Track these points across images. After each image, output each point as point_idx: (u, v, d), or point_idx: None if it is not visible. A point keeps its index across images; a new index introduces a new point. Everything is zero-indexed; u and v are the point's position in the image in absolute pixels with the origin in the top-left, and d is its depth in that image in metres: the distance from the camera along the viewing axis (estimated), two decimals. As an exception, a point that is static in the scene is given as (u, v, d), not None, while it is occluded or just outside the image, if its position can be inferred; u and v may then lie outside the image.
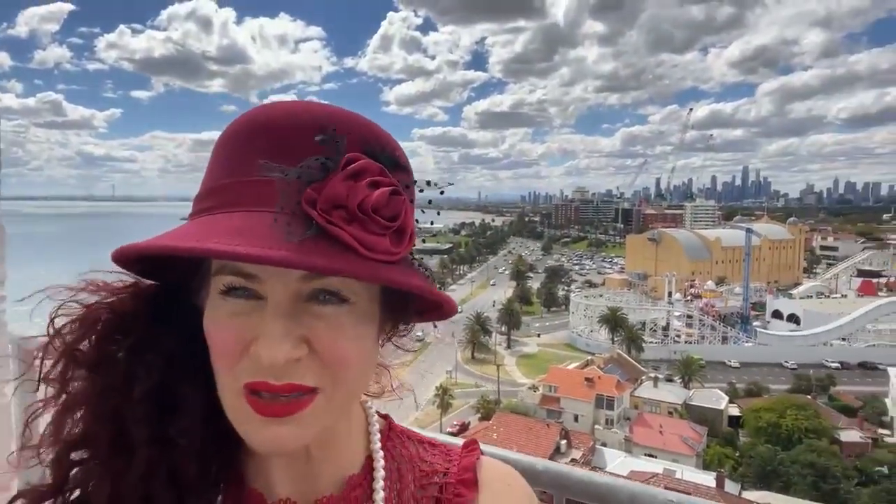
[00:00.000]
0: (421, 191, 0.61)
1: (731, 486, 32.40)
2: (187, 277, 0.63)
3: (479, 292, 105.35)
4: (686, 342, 67.56)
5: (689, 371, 54.79)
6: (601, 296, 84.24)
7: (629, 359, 55.61)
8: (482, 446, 0.79)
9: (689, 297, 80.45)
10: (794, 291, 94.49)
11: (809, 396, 49.31)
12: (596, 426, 43.55)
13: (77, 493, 0.61)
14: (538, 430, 35.51)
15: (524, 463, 1.15)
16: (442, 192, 0.61)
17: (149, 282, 0.66)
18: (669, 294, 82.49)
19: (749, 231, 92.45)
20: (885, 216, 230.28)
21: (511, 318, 73.43)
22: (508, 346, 72.26)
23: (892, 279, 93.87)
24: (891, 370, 52.78)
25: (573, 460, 30.82)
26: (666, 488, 1.18)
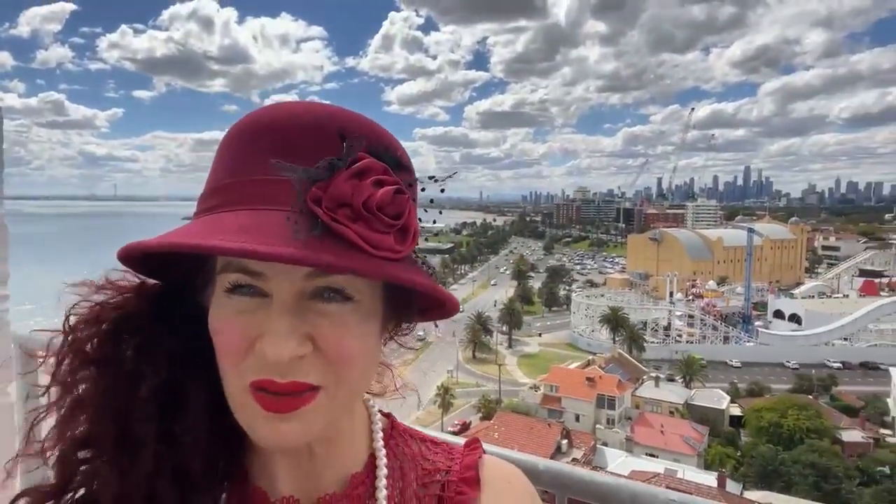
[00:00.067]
0: (423, 189, 0.61)
1: (732, 486, 32.36)
2: (192, 276, 0.63)
3: (481, 292, 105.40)
4: (687, 342, 67.50)
5: (690, 371, 54.75)
6: (602, 295, 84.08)
7: (630, 358, 55.54)
8: (484, 445, 0.79)
9: (690, 297, 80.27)
10: (796, 291, 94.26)
11: (811, 396, 49.27)
12: (597, 426, 43.51)
13: (82, 491, 0.61)
14: (539, 429, 35.51)
15: (526, 462, 1.14)
16: (443, 191, 0.61)
17: (153, 281, 0.66)
18: (671, 294, 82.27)
19: (751, 231, 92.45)
20: (887, 216, 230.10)
21: (512, 317, 73.43)
22: (510, 346, 72.26)
23: (894, 279, 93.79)
24: (892, 370, 52.69)
25: (574, 460, 30.81)
26: (667, 488, 1.18)
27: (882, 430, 45.64)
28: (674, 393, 48.62)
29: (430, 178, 0.61)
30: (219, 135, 0.62)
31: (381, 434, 0.72)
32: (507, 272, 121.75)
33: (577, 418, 44.53)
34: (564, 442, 34.89)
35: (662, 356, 65.07)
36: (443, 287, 0.60)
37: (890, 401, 50.04)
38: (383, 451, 0.70)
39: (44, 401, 0.64)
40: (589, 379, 46.23)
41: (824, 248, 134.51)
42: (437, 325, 0.70)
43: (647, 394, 47.82)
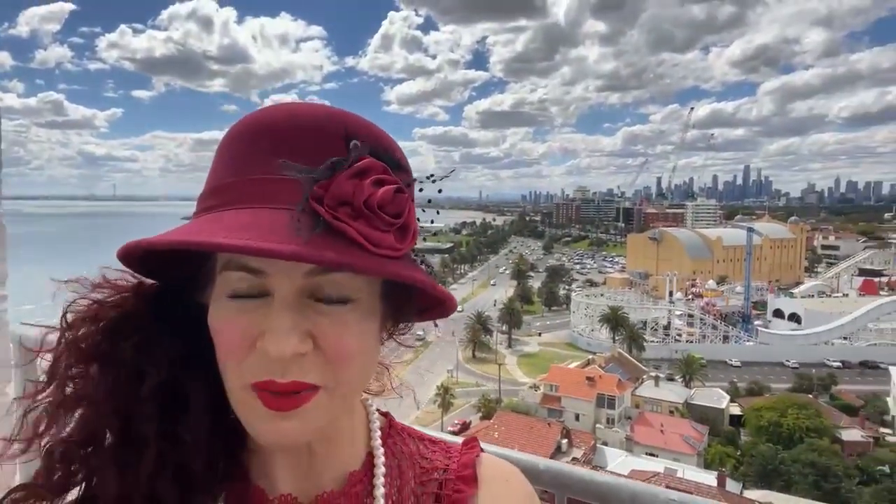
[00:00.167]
0: (421, 190, 0.61)
1: (732, 486, 32.34)
2: (191, 275, 0.63)
3: (480, 291, 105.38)
4: (687, 341, 67.49)
5: (690, 370, 54.75)
6: (602, 295, 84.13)
7: (630, 358, 55.53)
8: (483, 445, 0.79)
9: (690, 297, 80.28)
10: (796, 290, 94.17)
11: (811, 395, 49.28)
12: (597, 425, 43.49)
13: (82, 489, 0.61)
14: (539, 429, 35.50)
15: (525, 462, 1.15)
16: (440, 191, 0.62)
17: (151, 281, 0.66)
18: (670, 293, 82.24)
19: (750, 230, 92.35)
20: (886, 215, 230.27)
21: (512, 317, 73.40)
22: (509, 346, 72.21)
23: (893, 278, 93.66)
24: (892, 369, 52.67)
25: (574, 459, 30.79)
26: (667, 487, 1.19)
27: (882, 429, 45.62)
28: (673, 392, 48.61)
29: (428, 177, 0.61)
30: (218, 135, 0.62)
31: (379, 433, 0.72)
32: (507, 272, 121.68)
33: (577, 418, 44.53)
34: (564, 441, 34.87)
35: (662, 355, 65.06)
36: (441, 286, 0.60)
37: (889, 400, 50.07)
38: (381, 450, 0.70)
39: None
40: (589, 378, 46.22)
41: (824, 247, 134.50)
42: (436, 325, 0.71)
43: (647, 393, 47.82)
